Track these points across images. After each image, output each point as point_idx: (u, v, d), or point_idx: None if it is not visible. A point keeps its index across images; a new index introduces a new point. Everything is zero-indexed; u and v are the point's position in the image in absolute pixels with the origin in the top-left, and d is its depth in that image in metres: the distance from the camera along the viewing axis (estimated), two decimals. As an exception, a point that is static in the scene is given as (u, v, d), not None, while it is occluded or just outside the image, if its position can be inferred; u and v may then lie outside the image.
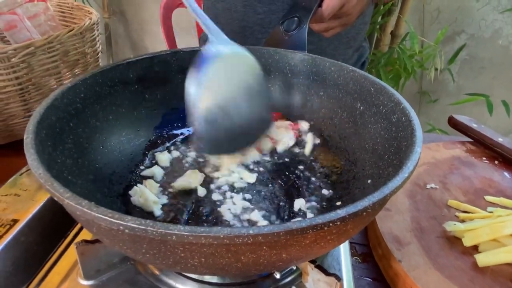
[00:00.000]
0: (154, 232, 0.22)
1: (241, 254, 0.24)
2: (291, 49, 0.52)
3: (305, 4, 0.58)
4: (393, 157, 0.36)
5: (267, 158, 0.49)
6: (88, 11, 0.76)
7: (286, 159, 0.49)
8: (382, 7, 1.17)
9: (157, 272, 0.37)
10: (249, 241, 0.22)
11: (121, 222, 0.22)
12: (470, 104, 1.33)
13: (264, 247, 0.24)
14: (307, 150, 0.49)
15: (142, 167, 0.46)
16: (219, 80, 0.38)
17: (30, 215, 0.42)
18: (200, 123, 0.38)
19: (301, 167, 0.47)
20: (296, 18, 0.55)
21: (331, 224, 0.23)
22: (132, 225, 0.22)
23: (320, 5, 0.58)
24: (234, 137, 0.41)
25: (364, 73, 0.44)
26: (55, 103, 0.36)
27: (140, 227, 0.22)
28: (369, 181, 0.39)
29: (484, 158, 0.60)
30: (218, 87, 0.38)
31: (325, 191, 0.43)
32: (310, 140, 0.49)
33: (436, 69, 1.15)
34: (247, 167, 0.46)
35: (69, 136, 0.38)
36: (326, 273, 0.32)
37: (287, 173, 0.46)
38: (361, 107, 0.44)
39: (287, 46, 0.54)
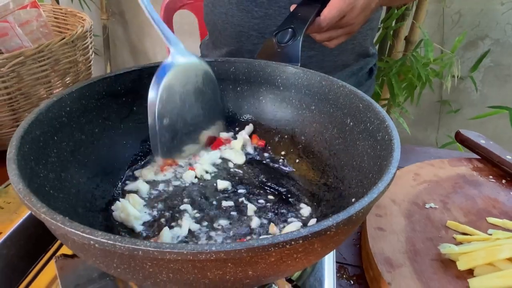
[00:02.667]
0: (122, 247, 0.25)
1: (207, 270, 0.27)
2: (284, 62, 0.56)
3: (301, 14, 0.61)
4: (376, 176, 0.39)
5: (250, 171, 0.53)
6: (82, 17, 0.81)
7: (272, 174, 0.52)
8: (396, 10, 1.21)
9: (136, 289, 0.41)
10: (211, 258, 0.25)
11: (91, 237, 0.26)
12: (495, 116, 1.34)
13: (229, 264, 0.27)
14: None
15: (127, 182, 0.50)
16: (174, 87, 0.48)
17: (12, 228, 0.46)
18: (156, 125, 0.47)
19: (287, 183, 0.51)
20: (290, 30, 0.59)
21: (293, 242, 0.26)
22: (101, 240, 0.26)
23: (319, 14, 0.62)
24: (188, 136, 0.52)
25: (353, 88, 0.48)
26: (39, 118, 0.40)
27: (108, 242, 0.25)
28: (353, 199, 0.42)
29: (490, 177, 0.62)
30: (172, 93, 0.48)
31: (309, 209, 0.46)
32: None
33: (453, 76, 1.17)
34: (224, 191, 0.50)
35: (53, 150, 0.42)
36: (302, 293, 0.35)
37: (271, 189, 0.50)
38: (351, 123, 0.48)
39: (280, 58, 0.57)
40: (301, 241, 0.27)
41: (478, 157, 0.66)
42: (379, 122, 0.42)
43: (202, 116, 0.53)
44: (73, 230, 0.26)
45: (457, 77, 1.20)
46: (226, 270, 0.27)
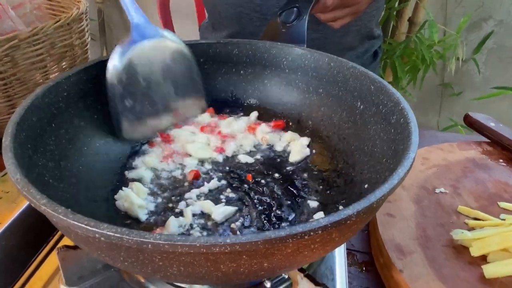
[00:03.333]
0: (130, 241, 0.24)
1: (221, 263, 0.26)
2: (290, 43, 0.54)
3: (306, -8, 0.59)
4: (390, 161, 0.38)
5: (258, 156, 0.51)
6: (77, -1, 0.78)
7: (277, 159, 0.51)
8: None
9: (142, 280, 0.39)
10: (226, 250, 0.24)
11: (96, 230, 0.24)
12: (498, 98, 1.32)
13: (244, 256, 0.26)
14: (292, 158, 0.50)
15: (129, 169, 0.48)
16: (136, 67, 0.46)
17: (12, 218, 0.45)
18: (118, 107, 0.46)
19: (294, 168, 0.49)
20: (295, 9, 0.56)
21: (312, 233, 0.25)
22: (107, 233, 0.24)
23: (323, -7, 0.59)
24: (157, 114, 0.50)
25: (364, 70, 0.46)
26: (35, 103, 0.38)
27: (115, 235, 0.24)
28: (366, 185, 0.40)
29: (501, 160, 0.61)
30: (134, 74, 0.46)
31: (319, 196, 0.44)
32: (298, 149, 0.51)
33: (458, 59, 1.14)
34: (231, 171, 0.48)
35: (51, 137, 0.40)
36: (316, 282, 0.34)
37: (278, 175, 0.48)
38: (361, 106, 0.46)
39: (285, 39, 0.55)
40: (320, 232, 0.25)
41: (487, 140, 0.65)
42: (393, 104, 0.41)
43: (174, 94, 0.51)
44: (76, 223, 0.24)
45: (462, 59, 1.17)
46: (240, 263, 0.26)
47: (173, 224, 0.39)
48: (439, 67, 1.41)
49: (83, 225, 0.24)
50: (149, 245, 0.24)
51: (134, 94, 0.47)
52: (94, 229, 0.24)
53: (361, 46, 0.84)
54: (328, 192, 0.45)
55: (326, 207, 0.43)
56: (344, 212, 0.26)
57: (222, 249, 0.24)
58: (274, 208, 0.43)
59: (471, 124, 0.67)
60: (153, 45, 0.47)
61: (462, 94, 1.48)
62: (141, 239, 0.23)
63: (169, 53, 0.49)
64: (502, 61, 1.41)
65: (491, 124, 0.64)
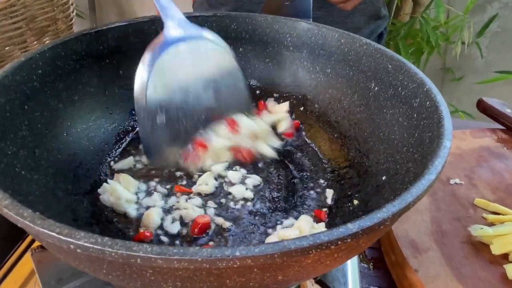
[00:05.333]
0: (113, 254, 0.19)
1: (227, 277, 0.21)
2: (293, 17, 0.49)
3: (312, -38, 0.53)
4: (414, 150, 0.33)
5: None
6: (58, -32, 0.72)
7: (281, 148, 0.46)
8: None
9: (131, 284, 0.35)
10: (235, 265, 0.19)
11: (71, 240, 0.19)
12: (500, 83, 1.29)
13: (255, 270, 0.21)
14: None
15: (115, 158, 0.43)
16: (171, 72, 0.37)
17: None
18: (146, 124, 0.37)
19: (301, 157, 0.45)
20: (300, -21, 0.51)
21: (339, 242, 0.20)
22: (85, 244, 0.19)
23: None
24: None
25: (380, 47, 0.41)
26: (4, 82, 0.33)
27: (95, 247, 0.19)
28: (383, 177, 0.36)
29: (517, 149, 0.57)
30: (169, 81, 0.37)
31: (330, 189, 0.40)
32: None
33: (463, 43, 1.10)
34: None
35: (24, 121, 0.35)
36: (329, 289, 0.30)
37: (283, 166, 0.44)
38: (376, 88, 0.41)
39: (288, 13, 0.50)
40: (349, 240, 0.20)
41: (502, 127, 0.61)
42: (415, 85, 0.36)
43: (217, 110, 0.40)
44: (46, 231, 0.20)
45: (468, 42, 1.12)
46: (250, 277, 0.21)
47: (156, 213, 0.35)
48: (441, 50, 1.37)
49: (54, 234, 0.19)
50: (138, 259, 0.19)
51: (168, 108, 0.38)
52: (68, 239, 0.19)
53: (366, 27, 0.79)
54: (338, 184, 0.41)
55: (338, 201, 0.39)
56: (378, 216, 0.21)
57: (230, 264, 0.19)
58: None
59: (484, 110, 0.62)
60: (192, 46, 0.38)
61: (463, 79, 1.44)
62: (128, 252, 0.19)
63: (211, 55, 0.39)
64: (505, 45, 1.37)
65: (507, 111, 0.60)
